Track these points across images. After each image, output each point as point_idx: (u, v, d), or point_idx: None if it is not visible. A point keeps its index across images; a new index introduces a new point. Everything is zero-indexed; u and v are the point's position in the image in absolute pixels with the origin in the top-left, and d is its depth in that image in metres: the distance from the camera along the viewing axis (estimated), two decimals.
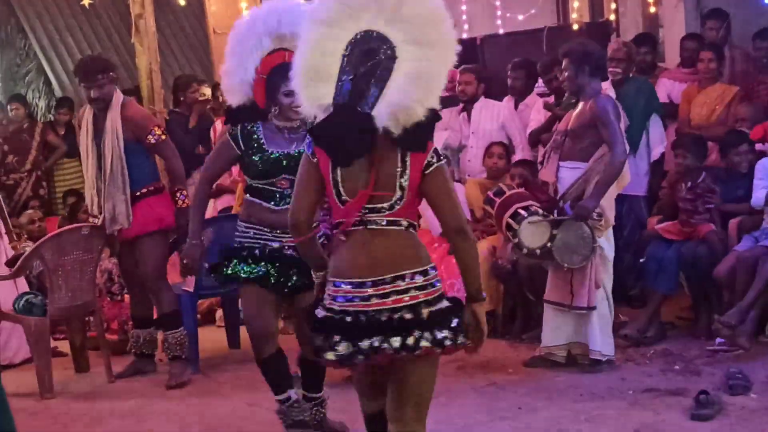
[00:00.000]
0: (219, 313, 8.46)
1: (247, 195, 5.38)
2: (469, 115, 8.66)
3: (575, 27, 9.46)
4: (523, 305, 7.68)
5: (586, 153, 6.64)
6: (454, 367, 6.82)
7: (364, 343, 3.76)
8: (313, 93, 3.82)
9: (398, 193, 3.82)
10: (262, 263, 5.22)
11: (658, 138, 8.14)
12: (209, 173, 5.50)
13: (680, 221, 7.42)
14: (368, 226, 3.83)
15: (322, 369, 5.42)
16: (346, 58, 3.78)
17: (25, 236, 8.87)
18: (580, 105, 6.73)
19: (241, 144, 5.32)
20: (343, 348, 3.78)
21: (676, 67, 9.07)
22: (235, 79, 5.40)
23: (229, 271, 5.26)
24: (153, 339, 7.29)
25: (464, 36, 10.26)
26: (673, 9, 10.15)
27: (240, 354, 7.64)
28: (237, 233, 5.37)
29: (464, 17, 10.47)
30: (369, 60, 3.75)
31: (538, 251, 6.47)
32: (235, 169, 9.41)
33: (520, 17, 10.29)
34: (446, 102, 8.57)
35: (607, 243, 6.67)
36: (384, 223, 3.83)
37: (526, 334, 7.56)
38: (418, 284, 3.81)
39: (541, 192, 6.84)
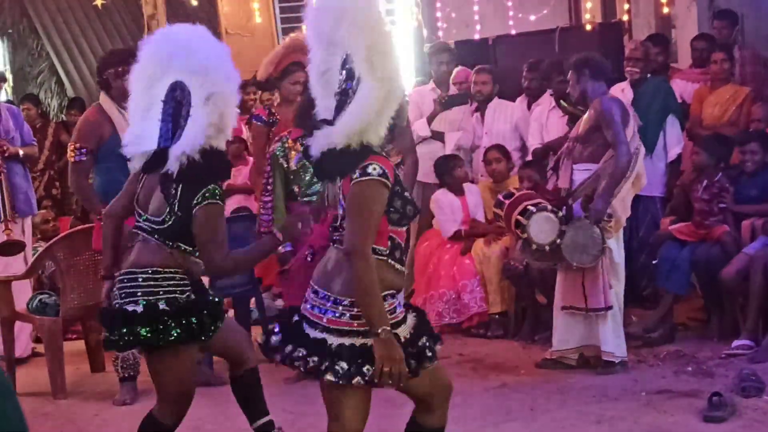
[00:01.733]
0: (230, 313, 8.46)
1: (191, 255, 4.56)
2: (482, 116, 8.66)
3: (588, 27, 9.44)
4: (533, 307, 7.68)
5: (596, 155, 6.66)
6: (468, 368, 6.82)
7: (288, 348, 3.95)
8: (320, 103, 3.98)
9: (340, 212, 3.97)
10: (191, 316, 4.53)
11: (675, 139, 8.12)
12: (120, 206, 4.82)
13: (694, 222, 7.41)
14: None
15: (259, 387, 5.14)
16: (340, 76, 3.88)
17: (39, 236, 8.89)
18: (589, 110, 6.75)
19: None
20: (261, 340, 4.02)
21: (688, 68, 9.06)
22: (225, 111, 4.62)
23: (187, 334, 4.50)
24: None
25: (476, 36, 10.27)
26: (686, 10, 10.14)
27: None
28: (177, 286, 4.55)
29: (476, 17, 10.47)
30: (348, 79, 3.84)
31: (547, 247, 6.46)
32: (245, 169, 9.46)
33: (532, 18, 10.28)
34: (455, 100, 8.59)
35: (616, 245, 6.66)
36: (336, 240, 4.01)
37: (538, 335, 7.56)
38: (326, 307, 3.88)
39: (548, 192, 6.86)
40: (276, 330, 3.95)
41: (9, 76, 13.75)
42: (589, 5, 9.82)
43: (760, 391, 5.97)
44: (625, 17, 10.73)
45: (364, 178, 3.74)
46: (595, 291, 6.56)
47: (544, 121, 8.38)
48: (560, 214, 6.51)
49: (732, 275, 6.95)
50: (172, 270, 4.55)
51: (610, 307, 6.56)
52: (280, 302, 8.84)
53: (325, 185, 4.10)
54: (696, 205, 7.44)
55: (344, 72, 3.83)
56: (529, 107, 8.69)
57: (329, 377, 3.76)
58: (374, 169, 3.74)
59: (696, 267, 7.25)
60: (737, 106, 8.16)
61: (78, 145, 6.67)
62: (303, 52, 7.90)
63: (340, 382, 3.76)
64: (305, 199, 6.83)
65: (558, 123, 8.23)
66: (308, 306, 3.90)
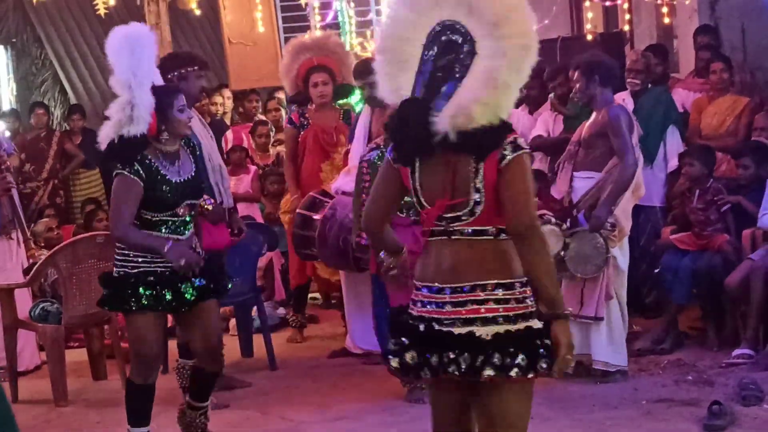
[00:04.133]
0: (232, 321, 8.48)
1: (139, 228, 5.14)
2: None
3: (589, 37, 9.47)
4: None
5: (599, 162, 6.65)
6: None
7: (434, 358, 3.51)
8: (393, 81, 3.62)
9: (474, 196, 3.53)
10: (156, 287, 5.15)
11: (675, 149, 8.14)
12: (128, 217, 5.13)
13: (694, 232, 7.42)
14: (452, 237, 3.58)
15: (212, 383, 5.56)
16: (426, 49, 3.56)
17: (42, 244, 8.91)
18: (593, 115, 6.74)
19: (144, 175, 5.10)
20: (409, 357, 3.56)
21: (690, 77, 9.08)
22: (146, 106, 5.06)
23: (139, 303, 5.13)
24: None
25: None
26: (687, 20, 10.16)
27: (253, 362, 7.66)
28: (121, 259, 5.22)
29: None
30: (449, 53, 3.53)
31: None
32: (247, 178, 9.48)
33: (534, 27, 10.30)
34: None
35: (621, 254, 6.66)
36: (469, 232, 3.56)
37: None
38: (498, 297, 3.52)
39: (554, 201, 6.86)
40: (405, 343, 3.59)
41: (13, 84, 13.80)
42: (590, 15, 9.86)
43: (760, 399, 5.98)
44: (627, 27, 10.76)
45: (520, 152, 3.52)
46: (591, 300, 6.56)
47: (550, 127, 8.36)
48: (564, 226, 6.51)
49: (736, 283, 6.96)
50: (123, 248, 5.19)
51: (600, 318, 6.55)
52: (281, 311, 8.87)
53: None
54: (692, 216, 7.45)
55: (443, 42, 3.53)
56: (530, 116, 8.71)
57: (489, 372, 3.44)
58: (522, 141, 3.58)
59: (697, 276, 7.26)
60: (736, 116, 8.17)
61: None
62: (309, 50, 7.97)
63: (520, 375, 3.46)
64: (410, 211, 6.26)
65: (560, 129, 8.24)
66: (433, 306, 3.56)
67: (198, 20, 13.22)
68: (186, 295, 5.20)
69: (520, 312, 3.53)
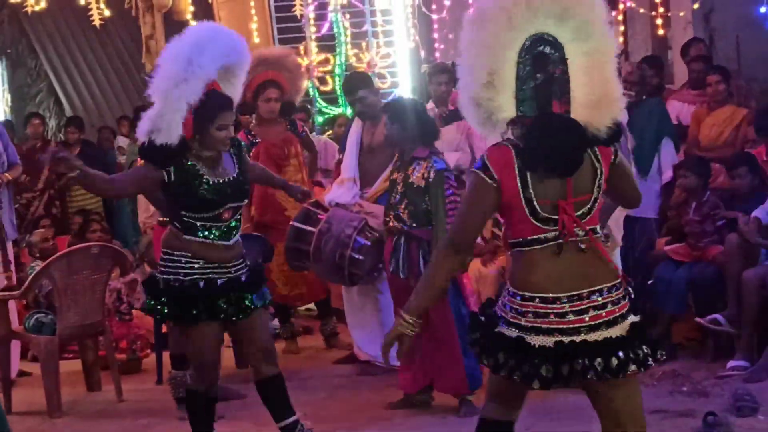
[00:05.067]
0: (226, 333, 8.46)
1: (189, 235, 5.04)
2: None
3: None
4: None
5: None
6: None
7: (565, 368, 3.57)
8: (494, 104, 3.59)
9: (594, 194, 3.67)
10: (212, 297, 5.05)
11: (669, 160, 8.15)
12: (117, 180, 5.35)
13: (688, 243, 7.43)
14: (569, 239, 3.62)
15: (284, 388, 5.39)
16: (522, 66, 3.58)
17: (37, 255, 8.91)
18: None
19: (173, 174, 4.99)
20: (545, 371, 3.56)
21: (684, 89, 9.10)
22: (181, 116, 4.89)
23: (205, 314, 5.04)
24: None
25: None
26: (682, 31, 10.19)
27: (248, 374, 7.61)
28: (172, 266, 5.07)
29: None
30: (544, 65, 3.58)
31: None
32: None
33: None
34: (457, 115, 8.62)
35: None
36: (583, 233, 3.65)
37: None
38: (613, 298, 3.64)
39: None
40: (534, 360, 3.59)
41: (7, 95, 13.81)
42: None
43: (755, 410, 5.97)
44: (621, 39, 10.78)
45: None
46: None
47: None
48: None
49: (752, 278, 6.96)
50: (174, 252, 5.05)
51: None
52: (275, 323, 8.84)
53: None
54: (687, 228, 7.45)
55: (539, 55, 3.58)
56: None
57: (633, 367, 3.64)
58: None
59: (692, 287, 7.27)
60: (734, 127, 8.19)
61: None
62: (266, 64, 7.97)
63: (641, 369, 3.70)
64: None
65: None
66: (553, 317, 3.59)
67: None
68: (246, 301, 5.12)
69: (628, 308, 3.69)
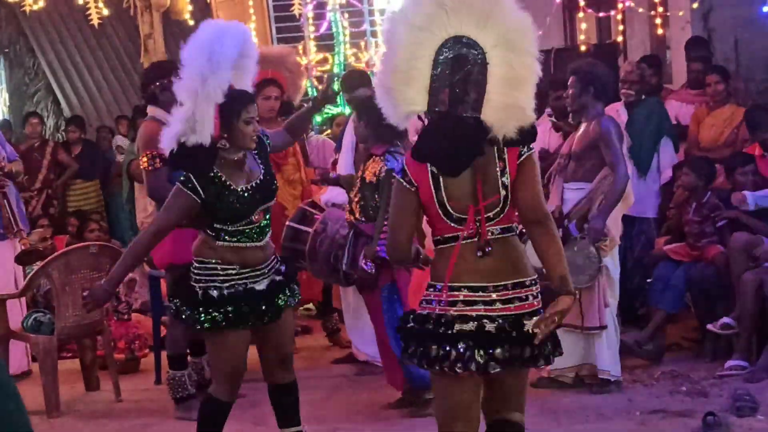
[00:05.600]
0: None
1: (222, 242, 4.90)
2: None
3: (583, 48, 9.48)
4: None
5: (590, 173, 6.66)
6: None
7: (498, 351, 3.73)
8: (403, 98, 3.73)
9: (502, 193, 3.80)
10: (247, 301, 4.93)
11: (668, 160, 8.15)
12: (162, 225, 4.96)
13: (688, 243, 7.43)
14: (480, 238, 3.79)
15: (297, 397, 5.30)
16: (437, 64, 3.69)
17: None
18: (583, 126, 6.75)
19: (201, 192, 4.82)
20: (480, 357, 3.72)
21: (682, 89, 9.10)
22: (209, 117, 4.77)
23: (237, 320, 4.89)
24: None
25: None
26: (681, 31, 10.18)
27: (246, 374, 7.62)
28: (208, 274, 4.93)
29: None
30: (462, 66, 3.68)
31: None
32: None
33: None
34: None
35: (612, 263, 6.68)
36: (498, 231, 3.82)
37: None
38: (533, 292, 3.84)
39: None
40: (464, 345, 3.75)
41: (5, 95, 13.80)
42: (584, 26, 9.86)
43: (754, 410, 5.97)
44: (620, 38, 10.78)
45: (532, 149, 3.87)
46: (591, 310, 6.57)
47: (546, 141, 8.37)
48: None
49: (750, 279, 6.97)
50: (209, 261, 4.93)
51: (604, 327, 6.57)
52: None
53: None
54: (687, 228, 7.45)
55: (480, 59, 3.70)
56: None
57: (541, 362, 3.91)
58: None
59: (690, 287, 7.27)
60: (734, 127, 8.19)
61: (153, 152, 6.35)
62: (266, 63, 7.99)
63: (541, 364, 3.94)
64: None
65: (558, 142, 8.24)
66: (481, 305, 3.77)
67: (191, 30, 13.20)
68: (280, 301, 5.00)
69: (539, 306, 3.86)
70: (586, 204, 6.62)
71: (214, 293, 4.90)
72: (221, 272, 4.91)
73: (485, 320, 3.73)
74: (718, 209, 7.38)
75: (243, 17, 11.17)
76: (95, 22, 10.16)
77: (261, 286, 4.96)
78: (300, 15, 10.92)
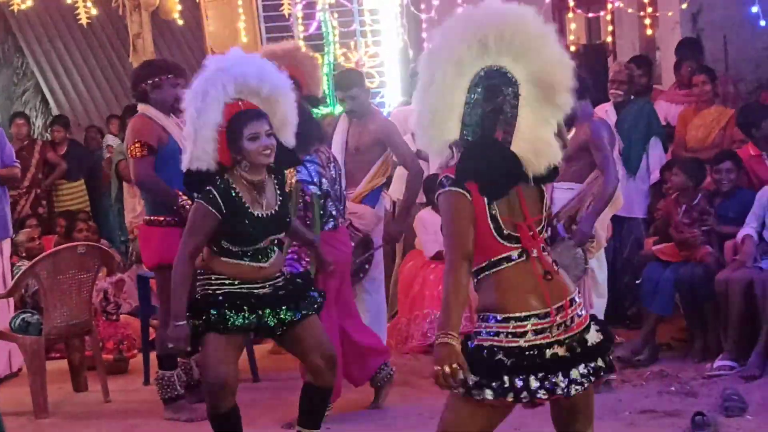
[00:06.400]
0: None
1: (221, 257, 4.94)
2: None
3: (572, 49, 9.49)
4: None
5: (579, 174, 6.66)
6: None
7: (576, 372, 3.68)
8: (439, 128, 3.70)
9: (544, 214, 3.82)
10: (251, 311, 4.92)
11: (657, 160, 8.16)
12: (192, 248, 4.92)
13: (676, 244, 7.44)
14: (529, 257, 3.72)
15: (326, 403, 5.30)
16: (471, 92, 3.69)
17: (23, 254, 8.87)
18: (575, 128, 6.75)
19: (222, 207, 4.85)
20: (542, 390, 3.66)
21: (672, 89, 9.11)
22: (204, 141, 4.88)
23: (232, 323, 4.86)
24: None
25: None
26: (670, 31, 10.20)
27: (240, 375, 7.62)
28: (203, 282, 4.98)
29: None
30: (495, 97, 3.67)
31: None
32: None
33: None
34: None
35: (598, 265, 6.69)
36: (542, 248, 3.79)
37: None
38: (581, 306, 3.81)
39: None
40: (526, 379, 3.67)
41: None
42: (573, 27, 9.87)
43: (743, 410, 5.98)
44: (609, 39, 10.80)
45: None
46: None
47: None
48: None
49: (738, 280, 6.98)
50: (204, 272, 4.98)
51: None
52: None
53: None
54: (675, 231, 7.44)
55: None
56: None
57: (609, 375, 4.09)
58: None
59: (679, 287, 7.28)
60: (721, 128, 8.19)
61: (141, 141, 6.40)
62: (277, 59, 7.95)
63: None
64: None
65: None
66: (547, 332, 3.71)
67: (180, 30, 13.23)
68: (282, 315, 4.96)
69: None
70: (575, 205, 6.63)
71: (200, 297, 4.94)
72: (214, 281, 4.93)
73: (555, 345, 3.68)
74: (707, 214, 7.38)
75: (232, 17, 11.16)
76: (84, 21, 10.13)
77: (262, 291, 4.96)
78: (289, 15, 10.89)
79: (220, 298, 4.89)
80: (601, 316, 6.66)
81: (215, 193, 4.83)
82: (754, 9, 8.49)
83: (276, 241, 5.12)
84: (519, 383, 3.63)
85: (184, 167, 4.95)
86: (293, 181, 6.02)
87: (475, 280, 3.76)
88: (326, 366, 5.15)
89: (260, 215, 4.91)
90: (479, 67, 3.67)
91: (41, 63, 14.26)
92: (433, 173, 8.50)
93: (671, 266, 7.36)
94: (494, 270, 3.70)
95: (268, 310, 4.95)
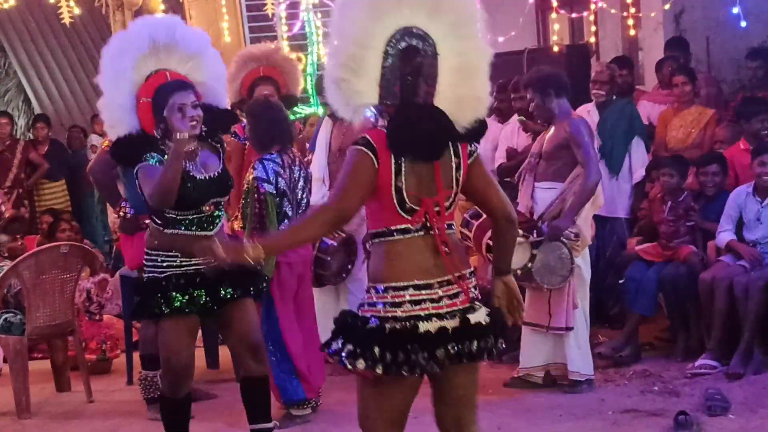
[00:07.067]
0: (198, 333, 8.42)
1: (163, 228, 5.03)
2: None
3: (555, 49, 9.51)
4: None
5: (561, 174, 6.68)
6: None
7: (440, 352, 3.60)
8: (353, 90, 3.62)
9: (454, 189, 3.72)
10: (189, 289, 5.00)
11: (640, 160, 8.18)
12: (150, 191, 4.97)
13: (660, 243, 7.46)
14: (429, 232, 3.67)
15: (265, 393, 5.31)
16: (387, 56, 3.61)
17: (5, 254, 8.83)
18: (554, 127, 6.76)
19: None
20: (423, 359, 3.58)
21: (655, 89, 9.14)
22: (115, 110, 5.14)
23: (171, 307, 4.96)
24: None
25: None
26: (653, 32, 10.23)
27: (219, 374, 7.62)
28: (150, 265, 5.07)
29: None
30: (413, 58, 3.61)
31: (519, 272, 6.48)
32: None
33: (501, 39, 10.30)
34: None
35: (583, 263, 6.71)
36: (445, 226, 3.70)
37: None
38: (473, 284, 3.75)
39: (517, 213, 6.86)
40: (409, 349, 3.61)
41: None
42: (556, 27, 9.88)
43: (726, 410, 6.00)
44: (592, 39, 10.81)
45: (478, 149, 3.82)
46: (559, 310, 6.60)
47: (515, 141, 8.40)
48: (531, 238, 6.52)
49: (708, 281, 7.01)
50: (152, 252, 5.03)
51: (570, 328, 6.59)
52: None
53: None
54: (662, 228, 7.48)
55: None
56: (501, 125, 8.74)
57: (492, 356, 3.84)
58: None
59: (662, 287, 7.30)
60: (701, 128, 8.22)
61: None
62: (255, 61, 7.94)
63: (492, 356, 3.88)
64: None
65: (526, 142, 8.26)
66: (428, 303, 3.66)
67: None
68: (221, 293, 5.04)
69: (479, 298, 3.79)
70: (558, 204, 6.64)
71: (151, 279, 5.03)
72: (160, 263, 5.02)
73: (433, 318, 3.63)
74: (692, 210, 7.41)
75: (215, 16, 11.12)
76: (67, 20, 10.08)
77: (202, 267, 4.99)
78: (273, 15, 10.87)
79: (164, 282, 4.98)
80: (585, 315, 6.70)
81: (157, 157, 4.94)
82: (735, 10, 8.51)
83: (221, 208, 5.16)
84: (388, 356, 3.56)
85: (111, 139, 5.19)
86: (250, 178, 6.10)
87: (370, 243, 3.76)
88: (250, 356, 5.20)
89: (201, 177, 5.00)
90: (393, 28, 3.61)
91: (23, 62, 14.20)
92: None
93: (654, 266, 7.38)
94: (389, 239, 3.68)
95: (209, 290, 5.01)
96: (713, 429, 5.77)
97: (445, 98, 3.65)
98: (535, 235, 6.55)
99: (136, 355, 7.17)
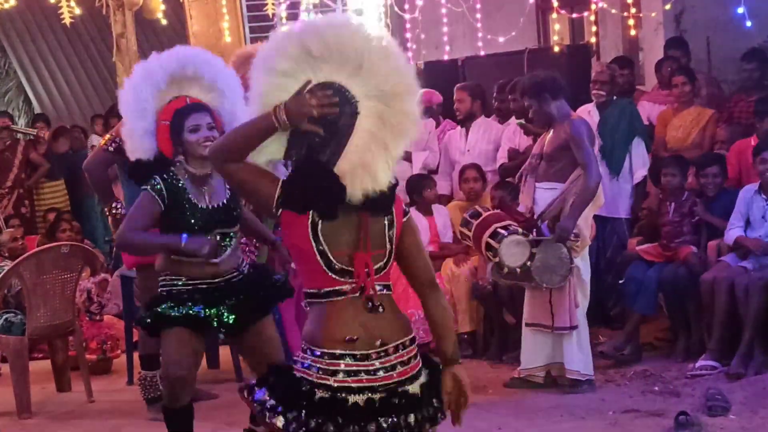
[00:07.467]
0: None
1: (171, 254, 4.96)
2: (467, 132, 8.70)
3: (556, 49, 9.51)
4: (501, 327, 7.70)
5: (562, 174, 6.68)
6: None
7: (371, 427, 3.31)
8: (260, 147, 3.35)
9: (388, 247, 3.40)
10: (199, 306, 4.95)
11: (640, 161, 8.17)
12: (135, 225, 4.95)
13: (660, 244, 7.46)
14: (362, 294, 3.35)
15: None
16: None
17: (6, 254, 8.83)
18: (553, 129, 6.76)
19: (165, 198, 4.92)
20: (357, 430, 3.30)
21: (655, 89, 9.13)
22: (137, 137, 5.21)
23: (174, 314, 4.92)
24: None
25: (446, 58, 10.31)
26: (653, 32, 10.23)
27: (219, 374, 7.62)
28: (163, 284, 5.05)
29: (445, 39, 10.51)
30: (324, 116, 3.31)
31: (518, 270, 6.49)
32: None
33: (501, 39, 10.30)
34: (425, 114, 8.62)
35: (582, 263, 6.71)
36: (379, 288, 3.39)
37: (506, 355, 7.57)
38: (413, 353, 3.42)
39: (517, 213, 6.87)
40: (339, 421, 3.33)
41: None
42: (557, 27, 9.88)
43: (726, 410, 6.00)
44: (593, 39, 10.81)
45: (410, 210, 3.57)
46: (561, 310, 6.60)
47: (516, 142, 8.41)
48: (530, 237, 6.53)
49: (709, 282, 7.01)
50: (160, 272, 5.05)
51: (575, 327, 6.60)
52: None
53: None
54: (665, 228, 7.48)
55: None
56: (501, 125, 8.75)
57: (434, 427, 3.47)
58: None
59: (663, 287, 7.30)
60: (701, 128, 8.22)
61: (116, 137, 6.29)
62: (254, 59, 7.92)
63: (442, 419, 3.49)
64: None
65: (528, 143, 8.27)
66: (363, 375, 3.37)
67: (164, 30, 13.18)
68: (224, 319, 4.95)
69: (421, 364, 3.48)
70: (559, 204, 6.64)
71: (151, 299, 5.08)
72: (169, 281, 5.01)
73: (367, 392, 3.34)
74: (695, 206, 7.42)
75: (216, 17, 11.13)
76: (67, 21, 10.09)
77: (204, 288, 4.97)
78: (273, 15, 10.88)
79: (164, 294, 5.00)
80: (584, 316, 6.70)
81: (161, 183, 4.93)
82: (740, 10, 8.51)
83: (230, 238, 5.07)
84: (312, 424, 3.29)
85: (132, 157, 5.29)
86: None
87: (306, 303, 3.47)
88: None
89: (205, 207, 4.97)
90: (307, 80, 3.34)
91: (24, 63, 14.21)
92: (416, 173, 8.52)
93: (655, 266, 7.38)
94: (324, 300, 3.38)
95: (214, 310, 4.95)
96: (714, 429, 5.77)
97: (348, 161, 3.31)
98: (534, 233, 6.56)
99: (136, 355, 7.17)
